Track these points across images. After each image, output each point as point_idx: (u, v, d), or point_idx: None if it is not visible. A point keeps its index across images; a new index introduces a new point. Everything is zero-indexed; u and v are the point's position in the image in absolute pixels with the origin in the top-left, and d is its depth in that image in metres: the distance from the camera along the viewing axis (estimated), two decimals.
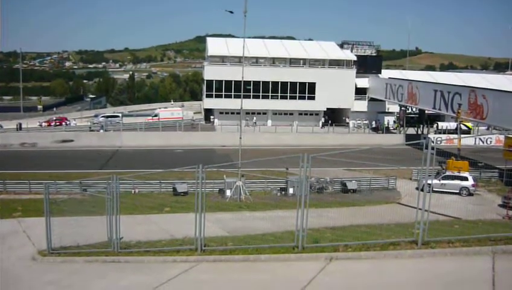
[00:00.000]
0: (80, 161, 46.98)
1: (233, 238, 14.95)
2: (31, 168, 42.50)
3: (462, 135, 48.83)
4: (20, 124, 65.69)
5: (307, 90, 69.58)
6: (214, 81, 68.58)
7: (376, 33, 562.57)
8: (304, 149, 13.61)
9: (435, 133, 61.65)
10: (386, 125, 67.57)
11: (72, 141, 57.20)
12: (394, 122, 69.15)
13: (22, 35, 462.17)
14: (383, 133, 64.88)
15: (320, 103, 69.61)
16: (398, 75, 74.64)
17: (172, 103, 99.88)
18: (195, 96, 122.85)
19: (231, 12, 36.91)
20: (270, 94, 69.06)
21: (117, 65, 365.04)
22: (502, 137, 50.22)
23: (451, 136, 56.57)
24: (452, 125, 61.52)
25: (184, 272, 11.90)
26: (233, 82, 65.56)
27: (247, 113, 67.10)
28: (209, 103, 69.69)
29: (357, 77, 70.91)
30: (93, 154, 51.67)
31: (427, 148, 11.41)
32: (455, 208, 25.65)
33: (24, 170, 41.73)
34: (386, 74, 75.85)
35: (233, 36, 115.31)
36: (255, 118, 68.74)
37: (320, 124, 69.35)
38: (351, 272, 10.83)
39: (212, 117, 70.54)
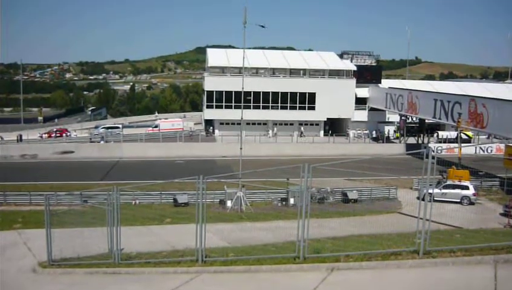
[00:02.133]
0: (81, 172, 46.99)
1: (234, 249, 14.92)
2: (32, 180, 42.50)
3: (463, 144, 48.90)
4: (21, 136, 65.70)
5: (307, 100, 69.70)
6: (214, 92, 68.70)
7: (376, 43, 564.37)
8: (305, 159, 13.60)
9: (436, 143, 61.69)
10: (387, 135, 67.62)
11: (72, 152, 57.22)
12: (394, 131, 69.23)
13: (23, 46, 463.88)
14: (383, 142, 64.91)
15: (320, 113, 69.68)
16: (398, 85, 74.89)
17: (156, 115, 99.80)
18: (196, 107, 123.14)
19: (263, 26, 37.20)
20: (270, 104, 69.12)
21: (117, 76, 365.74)
22: (502, 146, 50.23)
23: (452, 145, 56.62)
24: (452, 134, 61.61)
25: (185, 284, 11.86)
26: (233, 93, 65.68)
27: (264, 124, 68.03)
28: (209, 113, 69.79)
29: (357, 86, 71.05)
30: (94, 165, 51.64)
31: (427, 157, 11.41)
32: (456, 217, 25.68)
33: (24, 182, 41.73)
34: (386, 83, 76.06)
35: (233, 47, 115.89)
36: (275, 129, 68.80)
37: (300, 133, 69.23)
38: (352, 282, 10.80)
39: (210, 128, 70.56)
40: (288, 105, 69.50)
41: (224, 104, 67.85)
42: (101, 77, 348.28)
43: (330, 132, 67.94)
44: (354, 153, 56.05)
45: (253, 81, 62.56)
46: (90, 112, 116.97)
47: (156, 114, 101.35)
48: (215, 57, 72.99)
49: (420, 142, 63.15)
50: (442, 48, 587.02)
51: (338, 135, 67.09)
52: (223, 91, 67.79)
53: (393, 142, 65.73)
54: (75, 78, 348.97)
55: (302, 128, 70.20)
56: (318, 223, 15.20)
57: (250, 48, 66.75)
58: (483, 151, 58.61)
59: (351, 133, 69.19)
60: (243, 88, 39.85)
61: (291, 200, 34.71)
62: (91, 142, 63.67)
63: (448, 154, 48.54)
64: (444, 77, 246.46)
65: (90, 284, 13.42)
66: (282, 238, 14.83)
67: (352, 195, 36.61)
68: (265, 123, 69.95)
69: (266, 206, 35.73)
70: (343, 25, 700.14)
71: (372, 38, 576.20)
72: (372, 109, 71.97)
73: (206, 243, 13.04)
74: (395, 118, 69.62)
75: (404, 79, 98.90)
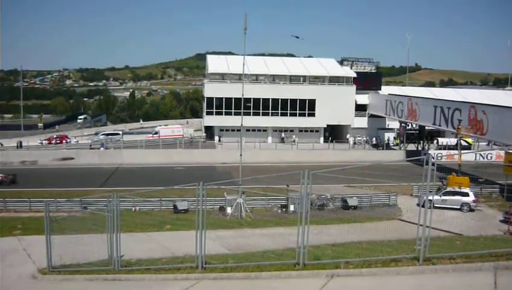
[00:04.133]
0: (81, 179, 46.96)
1: (234, 256, 14.91)
2: (32, 186, 42.46)
3: (463, 151, 48.86)
4: (21, 142, 65.75)
5: (307, 107, 69.80)
6: (214, 99, 68.78)
7: (375, 50, 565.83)
8: (304, 166, 13.61)
9: (435, 149, 61.70)
10: (386, 142, 67.64)
11: (72, 158, 57.21)
12: (394, 138, 69.26)
13: (23, 53, 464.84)
14: (383, 149, 64.92)
15: (320, 119, 69.77)
16: (397, 92, 75.00)
17: (141, 122, 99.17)
18: (196, 114, 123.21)
19: (297, 37, 37.48)
20: (270, 111, 69.19)
21: (117, 83, 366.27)
22: (502, 152, 50.23)
23: (452, 152, 56.58)
24: (452, 141, 61.60)
25: None
26: (233, 99, 65.73)
27: (264, 130, 69.28)
28: (209, 120, 69.85)
29: (357, 93, 71.16)
30: (94, 172, 51.59)
31: (427, 164, 11.42)
32: (456, 224, 25.65)
33: (24, 188, 41.70)
34: (385, 90, 76.19)
35: (233, 53, 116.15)
36: (294, 136, 68.76)
37: (281, 139, 69.45)
38: (352, 289, 10.79)
39: (219, 137, 70.09)
40: (288, 112, 69.58)
41: (224, 110, 67.92)
42: (101, 84, 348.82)
43: (330, 138, 67.93)
44: (353, 160, 55.98)
45: (253, 88, 62.68)
46: (81, 120, 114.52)
47: (141, 122, 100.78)
48: (215, 64, 73.15)
49: (420, 148, 63.16)
50: (442, 54, 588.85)
51: (338, 141, 67.05)
52: (223, 98, 67.89)
53: (393, 149, 65.75)
54: (75, 85, 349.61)
55: (283, 134, 70.14)
56: (318, 230, 15.17)
57: (250, 55, 66.89)
58: (483, 158, 58.56)
59: (351, 139, 69.16)
60: (243, 95, 39.91)
61: (291, 207, 34.69)
62: (91, 148, 63.65)
63: (448, 161, 48.51)
64: (443, 84, 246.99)
65: None
66: (282, 244, 14.82)
67: (352, 202, 36.57)
68: (265, 130, 69.98)
69: (266, 212, 35.69)
70: (343, 32, 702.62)
71: (372, 45, 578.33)
72: (372, 116, 72.02)
73: (206, 249, 13.04)
74: (395, 124, 69.67)
75: (404, 86, 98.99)
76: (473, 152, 59.73)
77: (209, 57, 79.35)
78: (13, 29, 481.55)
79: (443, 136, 66.59)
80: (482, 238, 17.10)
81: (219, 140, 68.72)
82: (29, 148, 64.05)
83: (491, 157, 58.42)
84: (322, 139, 71.13)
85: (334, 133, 70.51)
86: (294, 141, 67.38)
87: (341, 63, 76.96)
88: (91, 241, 15.86)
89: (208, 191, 13.39)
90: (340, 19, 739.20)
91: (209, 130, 72.34)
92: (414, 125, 65.86)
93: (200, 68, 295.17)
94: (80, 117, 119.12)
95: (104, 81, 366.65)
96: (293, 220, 17.12)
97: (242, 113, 42.39)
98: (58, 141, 69.85)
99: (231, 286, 12.09)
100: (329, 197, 36.63)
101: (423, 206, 12.03)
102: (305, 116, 69.89)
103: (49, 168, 54.20)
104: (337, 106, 68.70)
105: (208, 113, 69.49)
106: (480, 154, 58.46)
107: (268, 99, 68.97)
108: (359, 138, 69.47)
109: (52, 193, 38.78)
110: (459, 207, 35.60)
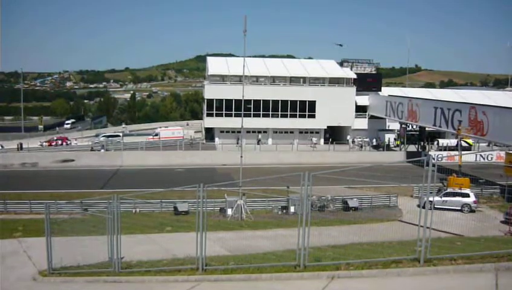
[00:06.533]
0: (81, 181, 46.94)
1: (234, 258, 14.88)
2: (32, 188, 42.44)
3: (463, 152, 48.82)
4: (21, 144, 65.75)
5: (307, 108, 69.73)
6: (215, 100, 68.71)
7: (375, 51, 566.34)
8: (305, 167, 13.62)
9: (436, 150, 61.68)
10: (387, 143, 67.59)
11: (73, 160, 57.19)
12: (395, 139, 69.17)
13: (23, 55, 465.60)
14: (383, 150, 64.85)
15: (320, 121, 69.73)
16: (398, 93, 74.90)
17: (124, 126, 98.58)
18: (196, 116, 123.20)
19: (340, 45, 37.66)
20: (270, 113, 69.11)
21: (118, 85, 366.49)
22: (502, 153, 50.22)
23: (452, 153, 56.58)
24: (453, 142, 61.56)
25: None
26: (233, 101, 65.72)
27: (264, 132, 68.91)
28: (209, 121, 69.80)
29: (357, 94, 71.08)
30: (94, 173, 51.57)
31: (428, 165, 11.41)
32: (457, 225, 25.58)
33: (25, 190, 41.68)
34: (386, 91, 76.08)
35: (233, 55, 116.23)
36: (315, 139, 68.75)
37: (258, 141, 68.77)
38: None
39: (237, 139, 68.69)
40: (289, 113, 69.53)
41: (224, 112, 67.83)
42: (101, 86, 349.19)
43: (330, 139, 67.91)
44: (354, 161, 56.00)
45: (253, 90, 62.61)
46: (68, 125, 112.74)
47: (123, 125, 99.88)
48: (215, 65, 73.07)
49: (420, 150, 63.12)
50: (441, 55, 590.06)
51: (338, 142, 67.02)
52: (223, 99, 67.82)
53: (393, 150, 65.68)
54: (76, 87, 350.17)
55: (259, 136, 69.82)
56: (318, 231, 15.15)
57: (250, 56, 66.96)
58: (484, 158, 58.58)
59: (352, 140, 69.05)
60: (243, 96, 39.90)
61: (292, 208, 34.64)
62: (91, 150, 63.63)
63: (448, 162, 48.57)
64: (443, 85, 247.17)
65: None
66: (283, 246, 14.80)
67: (352, 203, 36.51)
68: (265, 131, 69.93)
69: (266, 214, 35.64)
70: (343, 33, 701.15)
71: (372, 46, 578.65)
72: (372, 117, 71.93)
73: (206, 251, 13.02)
74: (395, 125, 69.64)
75: (404, 87, 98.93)
76: (473, 153, 59.70)
77: (209, 59, 79.23)
78: (14, 31, 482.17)
79: (443, 137, 66.54)
80: (482, 239, 17.09)
81: (237, 142, 64.32)
82: (30, 150, 64.06)
83: (492, 158, 58.44)
84: (322, 140, 71.09)
85: (335, 135, 70.48)
86: (315, 144, 67.26)
87: (341, 64, 76.92)
88: (91, 243, 15.86)
89: (208, 192, 13.38)
90: (340, 20, 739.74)
91: (209, 132, 72.26)
92: (414, 127, 65.86)
93: (201, 70, 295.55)
94: (67, 122, 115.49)
95: (104, 83, 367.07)
96: (293, 222, 17.11)
97: (242, 115, 42.41)
98: (59, 143, 69.90)
99: (232, 287, 12.08)
100: (329, 198, 36.57)
101: (424, 207, 12.00)
102: (305, 117, 69.82)
103: (50, 170, 54.21)
104: (337, 107, 68.64)
105: (208, 115, 69.41)
106: (481, 155, 58.48)
107: (269, 100, 68.88)
108: (360, 139, 68.99)
109: (52, 194, 38.74)
110: (459, 208, 35.53)
